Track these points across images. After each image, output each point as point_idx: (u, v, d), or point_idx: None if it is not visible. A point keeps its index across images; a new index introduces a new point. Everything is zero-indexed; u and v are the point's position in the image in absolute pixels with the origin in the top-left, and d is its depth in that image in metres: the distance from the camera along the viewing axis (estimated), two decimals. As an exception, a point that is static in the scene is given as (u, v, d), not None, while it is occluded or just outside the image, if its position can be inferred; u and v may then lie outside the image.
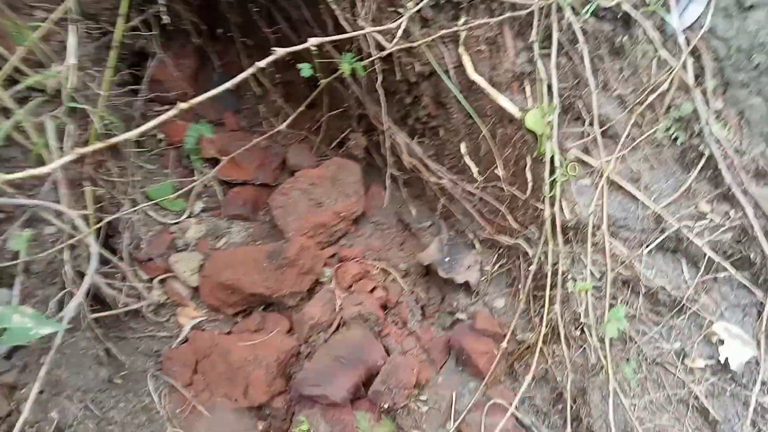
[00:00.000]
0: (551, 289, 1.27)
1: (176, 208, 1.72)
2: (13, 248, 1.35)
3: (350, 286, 1.50)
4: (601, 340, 1.10)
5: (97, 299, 1.48)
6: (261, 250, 1.52)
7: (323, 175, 1.63)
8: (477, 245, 1.44)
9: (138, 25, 1.70)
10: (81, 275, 1.43)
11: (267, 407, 1.38)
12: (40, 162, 1.39)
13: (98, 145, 1.17)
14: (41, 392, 1.27)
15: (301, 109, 1.46)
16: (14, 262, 1.34)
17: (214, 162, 1.83)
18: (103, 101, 1.46)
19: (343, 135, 1.80)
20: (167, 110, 1.70)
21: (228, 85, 1.12)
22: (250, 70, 1.11)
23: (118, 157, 1.65)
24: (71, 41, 1.45)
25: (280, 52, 1.11)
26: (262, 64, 1.11)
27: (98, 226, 1.45)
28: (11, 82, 1.38)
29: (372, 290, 1.49)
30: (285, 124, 1.44)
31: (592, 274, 1.21)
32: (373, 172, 1.73)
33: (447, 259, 1.44)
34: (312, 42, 1.15)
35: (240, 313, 1.59)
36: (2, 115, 1.38)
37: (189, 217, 1.73)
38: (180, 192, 1.66)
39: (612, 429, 1.05)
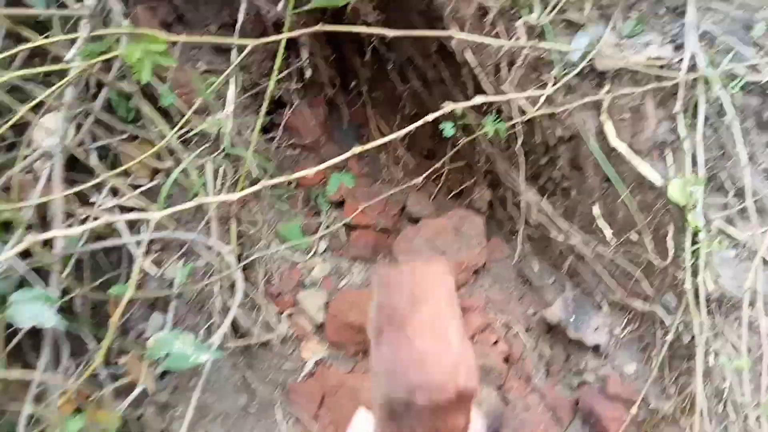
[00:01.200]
0: (689, 361, 1.26)
1: (303, 246, 1.82)
2: (173, 277, 1.48)
3: (473, 337, 1.54)
4: (757, 420, 1.08)
5: (233, 329, 1.58)
6: (387, 294, 1.59)
7: (446, 225, 1.69)
8: (605, 307, 1.45)
9: (282, 77, 1.86)
10: (223, 305, 1.55)
11: (390, 449, 1.43)
12: (198, 200, 1.53)
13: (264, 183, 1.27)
14: (189, 414, 1.38)
15: (436, 165, 1.53)
16: (170, 290, 1.47)
17: (338, 204, 1.94)
18: (254, 146, 1.59)
19: (463, 186, 1.86)
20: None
21: (406, 131, 1.21)
22: (418, 123, 1.20)
23: (258, 198, 1.78)
24: (231, 92, 1.60)
25: (449, 107, 1.19)
26: (430, 118, 1.20)
27: (245, 262, 1.58)
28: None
29: (495, 343, 1.52)
30: (421, 179, 1.50)
31: (736, 349, 1.19)
32: (493, 224, 1.78)
33: (572, 319, 1.46)
34: (477, 101, 1.22)
35: (360, 352, 1.65)
36: (168, 155, 1.53)
37: (314, 255, 1.83)
38: (313, 236, 1.77)
39: None
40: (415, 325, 0.39)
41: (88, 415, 1.31)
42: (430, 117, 1.20)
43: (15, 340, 1.35)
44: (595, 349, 1.41)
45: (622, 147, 1.32)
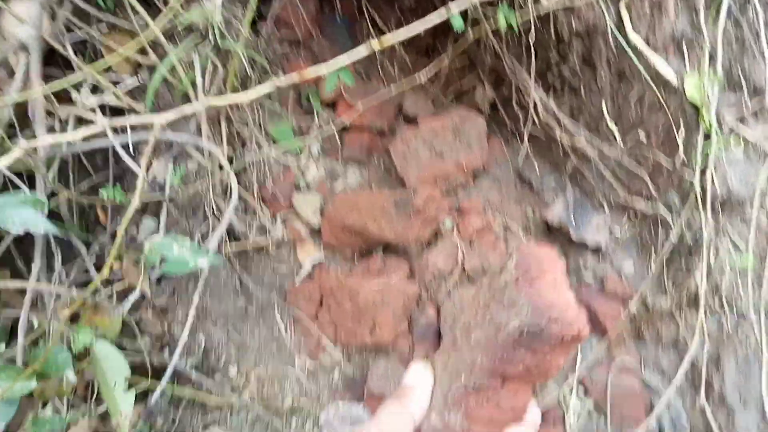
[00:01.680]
0: (689, 259, 1.28)
1: (295, 148, 1.75)
2: (164, 180, 1.42)
3: (472, 238, 1.53)
4: (756, 312, 1.12)
5: (227, 232, 1.55)
6: (386, 196, 1.55)
7: (446, 125, 1.63)
8: (606, 207, 1.45)
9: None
10: (217, 208, 1.51)
11: (391, 346, 1.46)
12: (186, 99, 1.43)
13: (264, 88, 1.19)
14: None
15: (442, 63, 1.45)
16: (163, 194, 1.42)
17: (331, 104, 1.85)
18: (244, 40, 1.47)
19: (463, 85, 1.79)
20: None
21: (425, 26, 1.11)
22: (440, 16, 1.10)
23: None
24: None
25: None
26: (455, 9, 1.10)
27: (238, 165, 1.51)
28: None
29: (493, 244, 1.52)
30: (424, 77, 1.43)
31: (737, 247, 1.21)
32: (492, 125, 1.72)
33: (572, 220, 1.45)
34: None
35: (356, 254, 1.64)
36: (154, 51, 1.42)
37: (307, 158, 1.76)
38: (305, 139, 1.70)
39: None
40: (544, 283, 0.49)
41: (86, 321, 1.29)
42: (454, 8, 1.11)
43: (3, 247, 1.30)
44: (595, 249, 1.41)
45: (638, 41, 1.26)
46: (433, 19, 1.12)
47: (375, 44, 1.07)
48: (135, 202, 1.03)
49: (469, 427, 0.57)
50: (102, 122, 0.99)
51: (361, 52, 1.10)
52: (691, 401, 1.22)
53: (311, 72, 1.16)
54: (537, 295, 0.50)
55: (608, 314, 1.33)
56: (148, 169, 1.43)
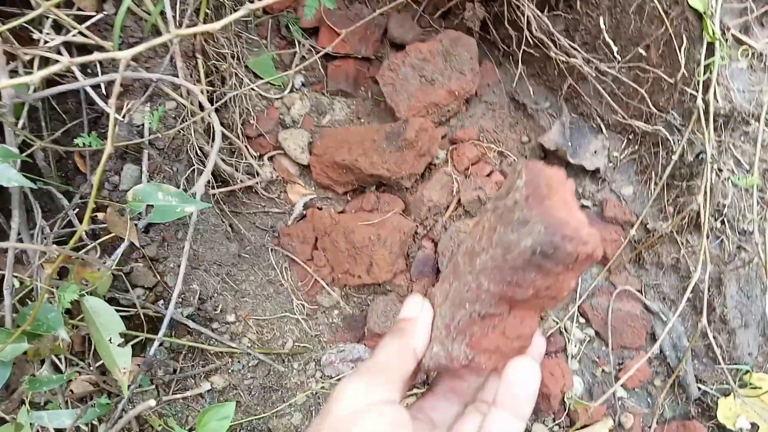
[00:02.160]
0: (690, 180, 1.24)
1: (277, 81, 1.66)
2: (141, 123, 1.35)
3: (467, 169, 1.49)
4: (762, 232, 1.10)
5: (212, 175, 1.49)
6: (376, 129, 1.49)
7: (435, 49, 1.54)
8: (604, 130, 1.39)
9: None
10: (201, 150, 1.44)
11: (389, 284, 1.44)
12: (156, 32, 1.34)
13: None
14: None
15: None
16: (143, 139, 1.35)
17: (312, 31, 1.74)
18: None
19: (451, 3, 1.68)
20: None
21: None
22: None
23: (225, 27, 1.57)
24: None
25: None
26: None
27: (219, 103, 1.44)
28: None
29: (489, 174, 1.47)
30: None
31: (740, 165, 1.17)
32: (483, 46, 1.64)
33: (570, 144, 1.40)
34: None
35: (349, 192, 1.60)
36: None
37: (291, 92, 1.68)
38: (287, 71, 1.60)
39: None
40: (554, 202, 0.46)
41: (74, 276, 1.25)
42: None
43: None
44: (593, 173, 1.37)
45: (639, -54, 1.17)
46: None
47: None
48: (108, 148, 0.96)
49: (473, 357, 0.54)
50: (65, 60, 0.91)
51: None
52: (692, 323, 1.22)
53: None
54: (548, 213, 0.45)
55: (608, 240, 1.31)
56: (121, 112, 1.36)
